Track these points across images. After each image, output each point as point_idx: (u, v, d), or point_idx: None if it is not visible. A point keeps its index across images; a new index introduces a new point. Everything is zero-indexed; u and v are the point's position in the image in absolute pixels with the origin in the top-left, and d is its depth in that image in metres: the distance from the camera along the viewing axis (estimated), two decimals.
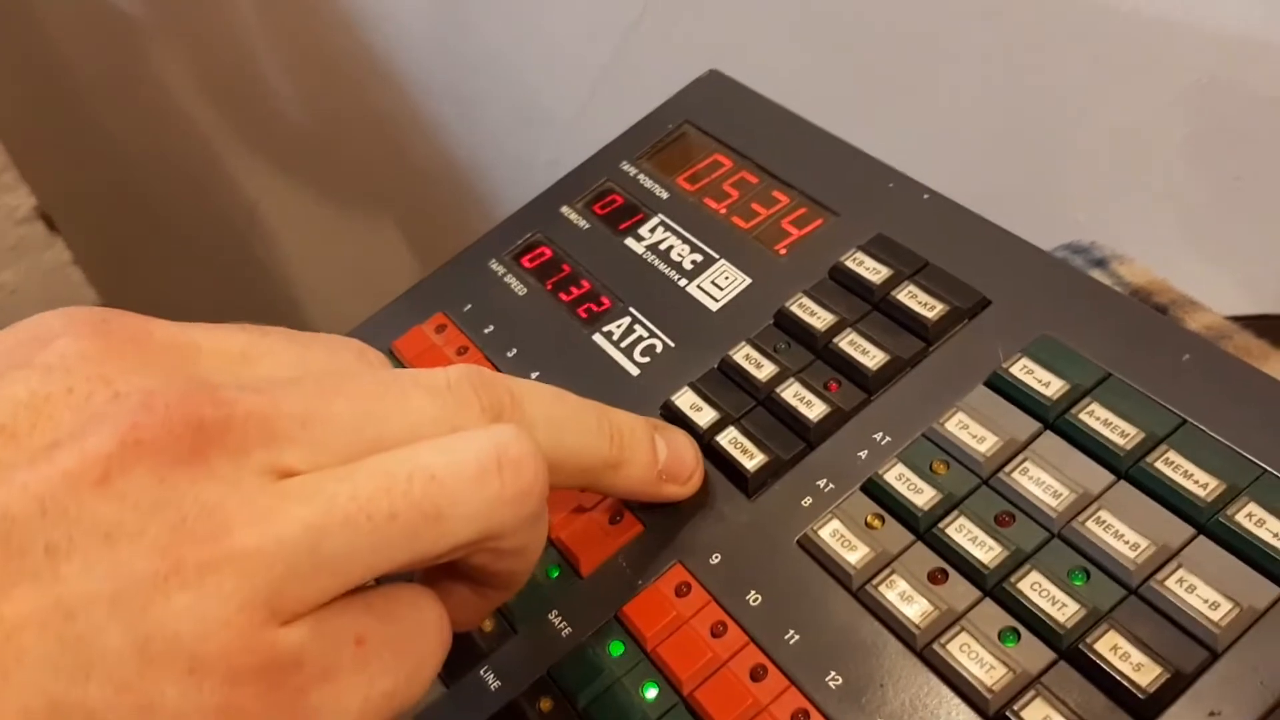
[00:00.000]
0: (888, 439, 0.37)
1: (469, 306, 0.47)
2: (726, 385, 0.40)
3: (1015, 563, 0.33)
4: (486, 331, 0.46)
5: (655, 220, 0.47)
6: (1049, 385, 0.36)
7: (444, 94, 1.05)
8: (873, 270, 0.41)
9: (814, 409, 0.38)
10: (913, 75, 0.69)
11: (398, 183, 1.19)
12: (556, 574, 0.38)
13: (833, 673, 0.33)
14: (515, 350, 0.45)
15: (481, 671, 0.36)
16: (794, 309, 0.41)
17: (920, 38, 0.67)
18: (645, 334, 0.43)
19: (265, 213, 1.31)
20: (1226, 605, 0.30)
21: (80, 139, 1.34)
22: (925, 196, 0.44)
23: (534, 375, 0.44)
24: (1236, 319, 0.51)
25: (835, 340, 0.40)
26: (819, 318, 0.41)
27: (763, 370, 0.40)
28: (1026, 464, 0.34)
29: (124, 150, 1.33)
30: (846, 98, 0.70)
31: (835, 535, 0.35)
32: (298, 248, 1.33)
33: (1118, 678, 0.29)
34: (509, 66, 0.97)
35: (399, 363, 0.46)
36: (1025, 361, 0.37)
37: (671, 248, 0.46)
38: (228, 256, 1.37)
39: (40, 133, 1.33)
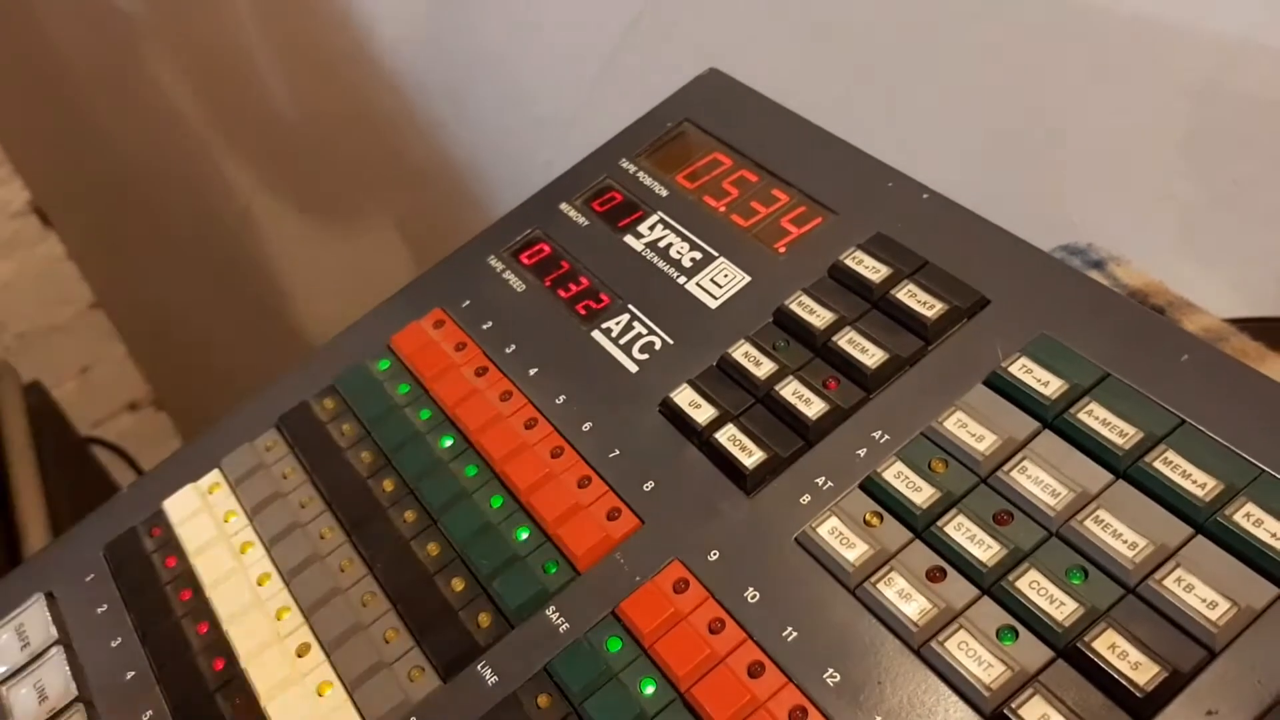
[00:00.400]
0: (886, 437, 0.37)
1: (467, 302, 0.47)
2: (725, 383, 0.40)
3: (1014, 561, 0.33)
4: (485, 327, 0.46)
5: (654, 218, 0.47)
6: (1048, 385, 0.36)
7: (440, 93, 1.05)
8: (872, 269, 0.41)
9: (813, 407, 0.38)
10: (911, 75, 0.69)
11: (393, 181, 1.19)
12: (554, 569, 0.38)
13: (831, 670, 0.33)
14: (514, 346, 0.45)
15: (479, 666, 0.36)
16: (793, 307, 0.41)
17: (919, 38, 0.67)
18: (644, 331, 0.43)
19: (259, 210, 1.31)
20: (1224, 605, 0.30)
21: (75, 135, 1.33)
22: (924, 196, 0.44)
23: (533, 371, 0.44)
24: (1233, 321, 0.51)
25: (834, 338, 0.40)
26: (818, 316, 0.41)
27: (761, 368, 0.40)
28: (1025, 463, 0.34)
29: (119, 146, 1.32)
30: (845, 97, 0.70)
31: (834, 533, 0.35)
32: (292, 245, 1.33)
33: (1116, 676, 0.29)
34: (506, 66, 0.97)
35: (398, 359, 0.46)
36: (1024, 361, 0.37)
37: (671, 245, 0.46)
38: (221, 253, 1.36)
39: (36, 128, 1.32)
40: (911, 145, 0.54)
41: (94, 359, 1.44)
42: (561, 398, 0.42)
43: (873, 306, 0.40)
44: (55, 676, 0.41)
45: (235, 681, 0.39)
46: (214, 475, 0.45)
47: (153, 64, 1.24)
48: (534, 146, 1.00)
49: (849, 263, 0.42)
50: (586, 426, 0.41)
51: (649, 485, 0.39)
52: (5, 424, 0.96)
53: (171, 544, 0.43)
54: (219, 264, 1.38)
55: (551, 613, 0.37)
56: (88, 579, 0.44)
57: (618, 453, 0.40)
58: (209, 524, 0.43)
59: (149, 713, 0.39)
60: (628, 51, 0.85)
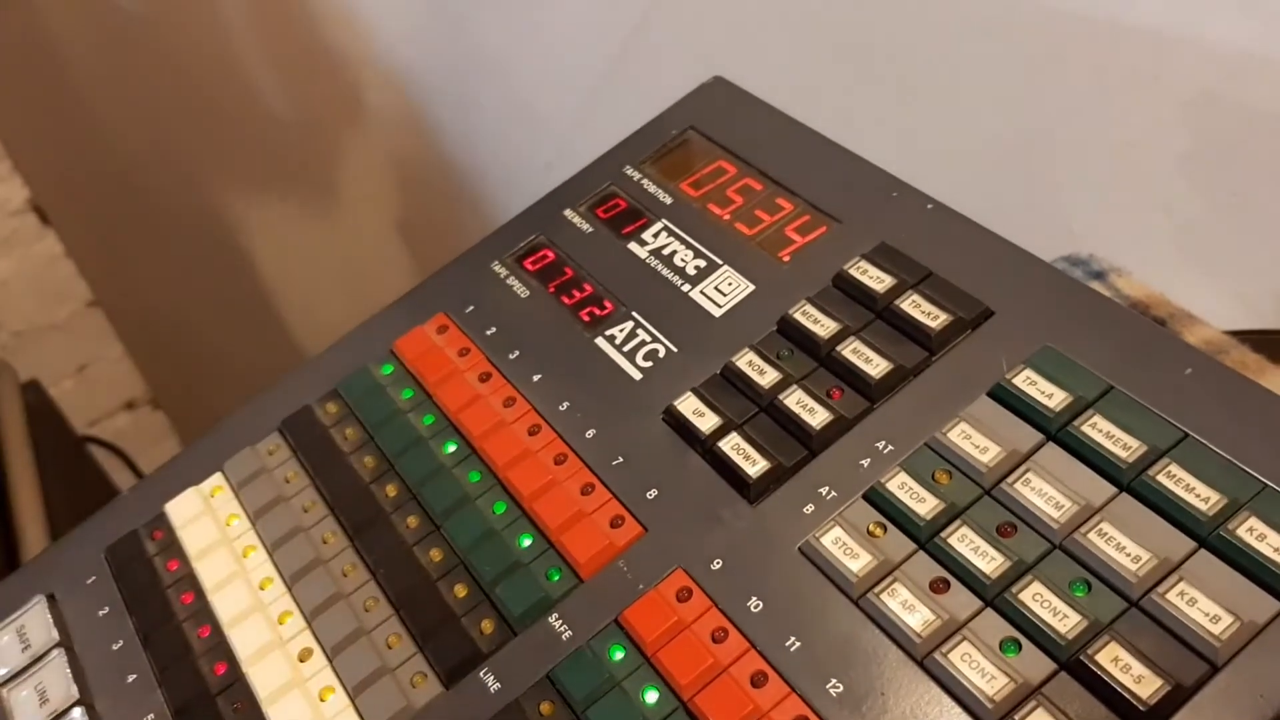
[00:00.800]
0: (890, 448, 0.37)
1: (471, 308, 0.47)
2: (729, 391, 0.40)
3: (1017, 573, 0.33)
4: (489, 333, 0.46)
5: (659, 225, 0.47)
6: (1052, 397, 0.36)
7: (442, 96, 1.05)
8: (876, 279, 0.41)
9: (816, 416, 0.38)
10: (915, 85, 0.69)
11: (394, 183, 1.19)
12: (557, 577, 0.38)
13: (833, 680, 0.33)
14: (517, 353, 0.45)
15: (481, 673, 0.36)
16: (797, 316, 0.41)
17: (923, 49, 0.68)
18: (648, 338, 0.44)
19: (258, 211, 1.31)
20: (1227, 619, 0.30)
21: (75, 133, 1.33)
22: (929, 206, 0.44)
23: (536, 378, 0.44)
24: (1233, 334, 0.51)
25: (838, 348, 0.40)
26: (822, 325, 0.41)
27: (765, 377, 0.40)
28: (1029, 475, 0.35)
29: (119, 145, 1.32)
30: (849, 106, 0.70)
31: (837, 543, 0.35)
32: (290, 246, 1.33)
33: (1118, 689, 0.30)
34: (507, 70, 0.97)
35: (401, 364, 0.46)
36: (1028, 373, 0.37)
37: (675, 253, 0.46)
38: (220, 253, 1.36)
39: (35, 126, 1.32)
40: (914, 155, 0.54)
41: (91, 358, 1.44)
42: (565, 404, 0.42)
43: (877, 316, 0.41)
44: (56, 679, 0.41)
45: (237, 686, 0.39)
46: (216, 478, 0.45)
47: (152, 63, 1.23)
48: (535, 151, 1.00)
49: (853, 272, 0.42)
50: (590, 434, 0.41)
51: (652, 493, 0.39)
52: (3, 422, 0.96)
53: (173, 547, 0.43)
54: (217, 264, 1.38)
55: (554, 620, 0.37)
56: (89, 581, 0.44)
57: (621, 460, 0.40)
58: (211, 527, 0.43)
59: (150, 716, 0.39)
60: (631, 57, 0.85)
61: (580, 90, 0.91)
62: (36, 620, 0.43)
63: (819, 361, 0.40)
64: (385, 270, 1.24)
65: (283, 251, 1.34)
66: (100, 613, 0.43)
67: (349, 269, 1.28)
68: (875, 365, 0.39)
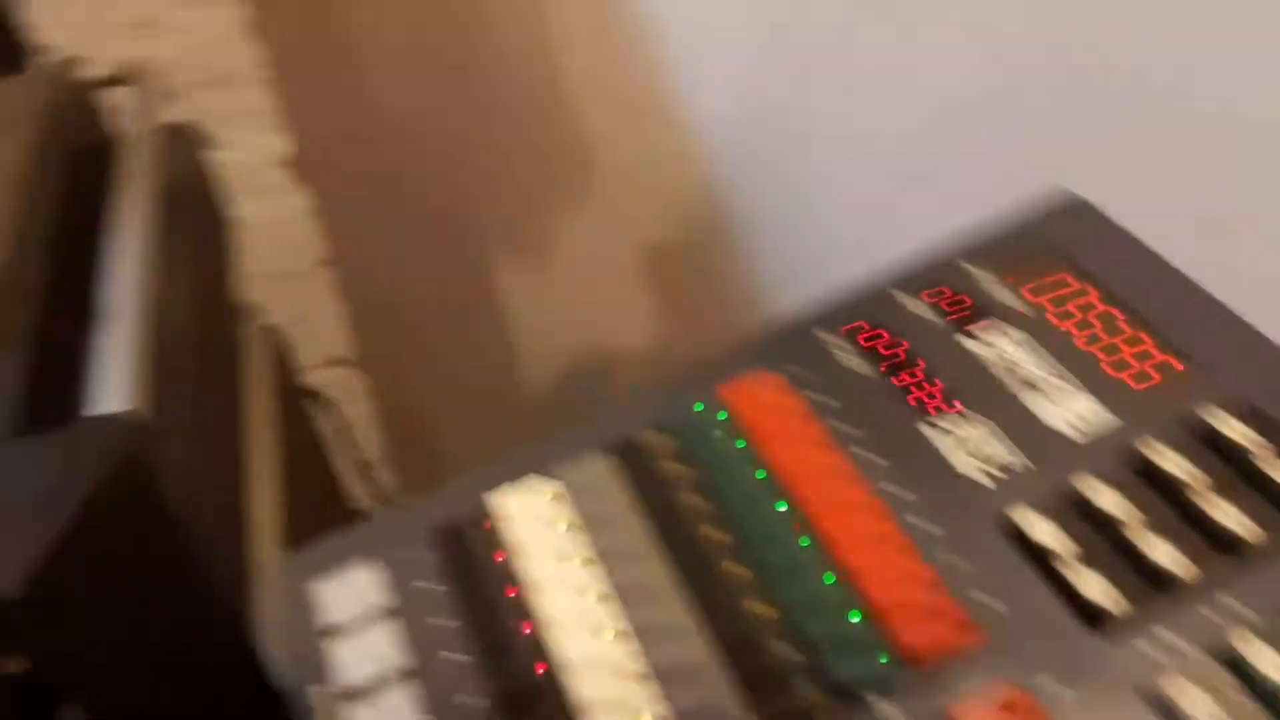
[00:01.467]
0: (1253, 613, 0.37)
1: (803, 374, 0.48)
2: (1077, 517, 0.41)
3: None
4: (828, 404, 0.47)
5: (1003, 327, 0.48)
6: None
7: (741, 158, 1.03)
8: (1240, 433, 0.41)
9: (1173, 560, 0.38)
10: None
11: (664, 230, 1.20)
12: (885, 659, 0.39)
13: None
14: (857, 429, 0.46)
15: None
16: (1149, 453, 0.41)
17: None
18: (991, 442, 0.44)
19: (516, 228, 1.34)
20: None
21: (352, 121, 1.39)
22: None
23: (879, 461, 0.45)
24: None
25: (1195, 497, 0.40)
26: (1179, 467, 0.41)
27: (1118, 510, 0.40)
28: None
29: (395, 135, 1.38)
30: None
31: (1184, 695, 0.35)
32: (539, 263, 1.35)
33: None
34: (808, 148, 0.96)
35: (734, 413, 0.47)
36: None
37: (1021, 360, 0.47)
38: (461, 259, 1.40)
39: (311, 99, 1.38)
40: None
41: (310, 312, 1.51)
42: (910, 495, 0.43)
43: (1239, 473, 0.40)
44: (382, 644, 0.43)
45: (555, 687, 0.40)
46: (550, 483, 0.47)
47: (453, 71, 1.26)
48: (812, 239, 0.97)
49: (1213, 422, 0.42)
50: (933, 530, 0.42)
51: (989, 600, 0.39)
52: (248, 362, 1.01)
53: (502, 541, 0.46)
54: (455, 264, 1.41)
55: (882, 702, 0.38)
56: (419, 556, 0.46)
57: (961, 561, 0.41)
58: (540, 529, 0.45)
59: (469, 698, 0.41)
60: (932, 159, 0.84)
61: (874, 184, 0.90)
62: (367, 582, 0.46)
63: (1174, 505, 0.40)
64: (621, 313, 1.23)
65: (527, 265, 1.36)
66: (429, 587, 0.45)
67: (593, 303, 1.27)
68: (1238, 523, 0.39)
